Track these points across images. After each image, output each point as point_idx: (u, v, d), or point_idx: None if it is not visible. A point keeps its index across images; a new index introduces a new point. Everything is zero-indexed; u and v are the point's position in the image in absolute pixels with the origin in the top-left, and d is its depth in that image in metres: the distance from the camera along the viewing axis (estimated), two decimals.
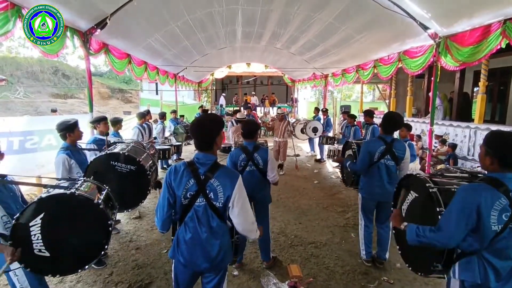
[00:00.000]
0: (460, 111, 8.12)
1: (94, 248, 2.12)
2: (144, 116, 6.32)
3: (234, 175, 1.84)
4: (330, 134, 9.23)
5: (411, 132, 8.11)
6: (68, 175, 3.02)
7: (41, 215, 1.94)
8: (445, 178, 2.18)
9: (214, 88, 20.46)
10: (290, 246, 3.86)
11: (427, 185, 1.97)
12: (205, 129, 1.82)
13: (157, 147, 6.11)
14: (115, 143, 3.90)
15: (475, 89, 9.13)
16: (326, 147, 8.50)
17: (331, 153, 7.03)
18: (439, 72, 4.83)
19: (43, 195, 2.01)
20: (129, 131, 7.07)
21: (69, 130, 3.12)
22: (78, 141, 3.28)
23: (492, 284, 1.61)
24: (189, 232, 1.82)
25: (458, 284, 1.74)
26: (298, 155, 10.20)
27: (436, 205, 1.86)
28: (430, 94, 5.59)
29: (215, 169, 1.80)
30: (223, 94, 18.51)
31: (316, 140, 9.75)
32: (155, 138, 6.96)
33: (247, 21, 7.12)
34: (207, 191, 1.78)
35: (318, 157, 9.43)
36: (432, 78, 4.95)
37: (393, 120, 3.13)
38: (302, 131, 9.84)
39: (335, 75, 9.95)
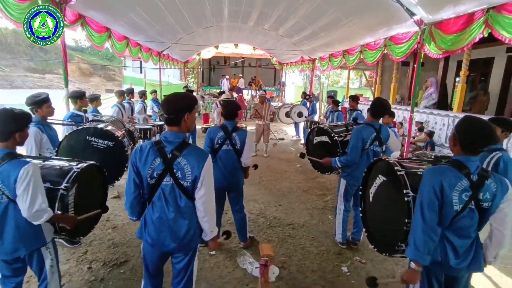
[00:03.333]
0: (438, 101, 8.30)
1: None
2: (124, 94, 6.08)
3: (203, 154, 1.80)
4: (316, 119, 9.26)
5: (394, 120, 8.25)
6: (38, 151, 2.90)
7: (76, 185, 2.13)
8: (412, 162, 2.24)
9: (201, 68, 20.01)
10: (268, 227, 3.92)
11: (395, 168, 2.01)
12: (174, 104, 1.76)
13: (138, 126, 5.97)
14: (93, 120, 3.79)
15: (457, 78, 9.29)
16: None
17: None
18: (421, 60, 4.85)
19: (76, 169, 2.16)
20: (109, 109, 6.85)
21: (36, 105, 2.97)
22: (49, 118, 3.13)
23: (451, 262, 1.69)
24: (156, 211, 1.79)
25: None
26: (282, 139, 10.27)
27: (403, 187, 1.90)
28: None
29: (183, 148, 1.76)
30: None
31: (301, 125, 9.79)
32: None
33: None
34: (175, 170, 1.74)
35: (303, 141, 9.50)
36: (415, 65, 4.97)
37: (382, 106, 3.14)
38: (287, 115, 9.86)
39: (322, 59, 9.89)
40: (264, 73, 20.40)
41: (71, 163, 2.26)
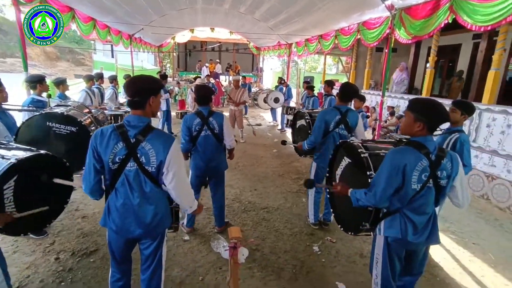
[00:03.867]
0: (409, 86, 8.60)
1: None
2: (93, 78, 5.79)
3: (168, 138, 1.75)
4: (293, 104, 9.31)
5: (367, 105, 8.46)
6: None
7: (15, 177, 1.91)
8: (377, 143, 2.31)
9: (177, 53, 19.38)
10: (243, 212, 3.96)
11: (359, 150, 2.08)
12: (139, 86, 1.69)
13: (109, 112, 5.72)
14: (57, 105, 3.59)
15: (427, 64, 9.61)
16: (287, 117, 8.60)
17: (290, 123, 7.13)
18: (392, 45, 4.95)
19: (13, 159, 1.89)
20: (77, 95, 6.51)
21: None
22: (5, 104, 2.93)
23: (410, 237, 1.79)
24: (120, 198, 1.74)
25: (382, 240, 1.90)
26: (259, 125, 10.28)
27: (367, 169, 1.96)
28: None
29: (147, 132, 1.70)
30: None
31: (279, 110, 9.82)
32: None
33: None
34: (138, 155, 1.68)
35: (280, 126, 9.55)
36: (386, 51, 5.08)
37: (350, 89, 3.24)
38: (264, 100, 9.85)
39: (298, 44, 9.87)
40: (241, 58, 20.09)
41: (11, 153, 2.02)
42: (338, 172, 2.40)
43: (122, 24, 8.07)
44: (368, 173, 1.97)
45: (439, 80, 9.42)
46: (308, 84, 7.65)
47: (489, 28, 3.40)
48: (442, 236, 3.53)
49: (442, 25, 3.87)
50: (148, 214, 1.77)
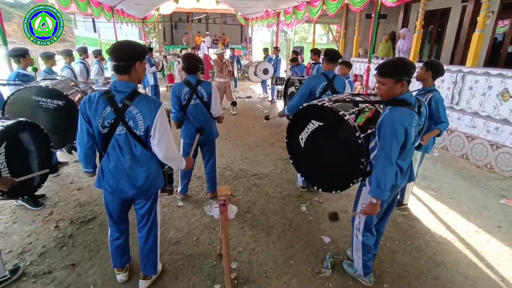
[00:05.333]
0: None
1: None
2: (71, 53, 5.53)
3: (154, 103, 1.80)
4: (283, 75, 9.26)
5: (356, 73, 8.48)
6: None
7: (4, 144, 2.06)
8: (345, 103, 2.28)
9: (162, 26, 18.70)
10: (234, 179, 4.11)
11: (340, 113, 2.05)
12: (124, 51, 1.71)
13: (97, 88, 5.63)
14: (44, 79, 3.55)
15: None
16: (276, 88, 8.59)
17: (280, 94, 7.17)
18: (379, 10, 4.92)
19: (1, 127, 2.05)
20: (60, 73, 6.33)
21: None
22: None
23: (398, 181, 1.96)
24: (112, 161, 1.82)
25: None
26: (250, 97, 10.26)
27: (354, 130, 1.98)
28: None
29: (133, 97, 1.75)
30: (203, 39, 16.16)
31: (268, 82, 9.77)
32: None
33: None
34: (126, 119, 1.74)
35: (270, 98, 9.56)
36: (373, 15, 5.04)
37: (333, 52, 3.29)
38: (255, 73, 9.75)
39: (286, 13, 9.64)
40: (230, 30, 19.52)
41: None
42: (303, 136, 2.36)
43: None
44: (356, 134, 1.97)
45: (428, 46, 9.40)
46: (292, 57, 7.54)
47: None
48: (422, 193, 3.79)
49: None
50: (140, 176, 1.86)
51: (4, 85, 3.24)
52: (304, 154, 2.40)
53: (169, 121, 2.57)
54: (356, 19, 9.45)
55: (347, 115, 2.07)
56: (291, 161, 2.60)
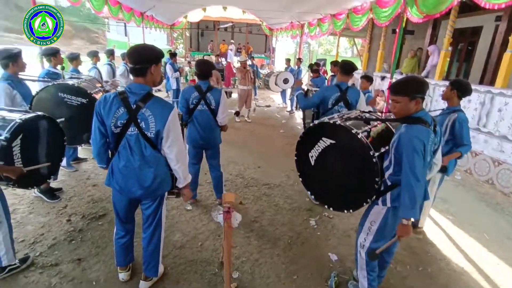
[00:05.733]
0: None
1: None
2: (97, 54, 5.76)
3: (167, 106, 1.83)
4: (302, 86, 9.23)
5: (378, 88, 8.31)
6: (11, 106, 2.88)
7: (20, 136, 2.13)
8: (357, 121, 2.22)
9: (189, 33, 19.28)
10: (245, 187, 4.09)
11: (353, 132, 2.00)
12: (141, 54, 1.77)
13: (120, 88, 5.83)
14: (70, 77, 3.75)
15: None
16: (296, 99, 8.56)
17: (298, 105, 7.14)
18: (403, 25, 4.82)
19: (19, 120, 2.10)
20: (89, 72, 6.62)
21: (12, 59, 2.91)
22: (22, 74, 3.08)
23: None
24: (122, 160, 1.86)
25: (385, 209, 1.97)
26: (269, 106, 10.28)
27: (368, 149, 1.92)
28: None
29: (147, 99, 1.79)
30: (230, 47, 16.43)
31: (288, 92, 9.76)
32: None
33: None
34: (139, 120, 1.79)
35: (289, 108, 9.53)
36: (397, 30, 4.94)
37: (348, 63, 3.28)
38: (275, 83, 9.78)
39: (310, 25, 9.66)
40: (254, 39, 19.79)
41: (17, 114, 2.22)
42: (313, 154, 2.29)
43: (133, 1, 8.09)
44: (371, 153, 1.91)
45: (457, 64, 9.08)
46: (313, 67, 7.49)
47: (503, 5, 3.27)
48: (439, 216, 3.61)
49: (455, 2, 3.74)
50: (148, 177, 1.89)
51: (34, 81, 3.41)
52: (314, 171, 2.33)
53: (182, 125, 2.62)
54: (381, 33, 9.32)
55: (360, 133, 2.03)
56: (300, 179, 2.52)
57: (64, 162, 4.07)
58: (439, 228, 3.38)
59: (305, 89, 8.06)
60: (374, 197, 2.02)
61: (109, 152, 2.00)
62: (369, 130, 2.09)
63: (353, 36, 13.79)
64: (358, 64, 15.98)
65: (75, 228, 2.92)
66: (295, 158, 2.50)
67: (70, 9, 22.85)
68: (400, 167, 1.83)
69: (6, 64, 2.90)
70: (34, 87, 3.58)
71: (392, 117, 2.10)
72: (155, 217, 2.08)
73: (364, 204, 2.09)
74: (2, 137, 2.00)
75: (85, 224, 3.01)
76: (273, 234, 3.06)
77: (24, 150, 2.15)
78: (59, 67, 3.90)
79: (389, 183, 1.96)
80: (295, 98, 8.85)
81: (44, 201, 3.35)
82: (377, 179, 1.95)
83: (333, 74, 6.10)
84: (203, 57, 10.05)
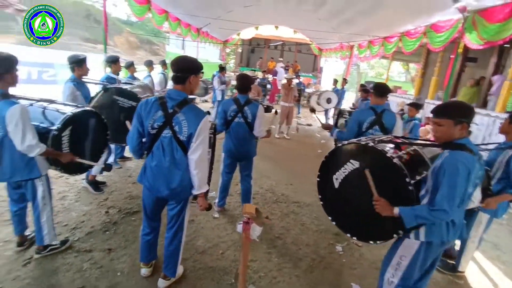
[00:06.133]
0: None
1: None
2: (151, 64, 6.28)
3: (200, 113, 1.95)
4: (344, 107, 9.05)
5: (428, 116, 7.79)
6: None
7: (70, 127, 2.41)
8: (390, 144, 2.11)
9: (241, 50, 20.13)
10: (274, 202, 4.06)
11: (387, 155, 1.89)
12: (182, 64, 1.94)
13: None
14: (125, 82, 4.15)
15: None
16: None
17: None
18: (461, 50, 4.52)
19: (70, 113, 2.42)
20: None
21: (78, 63, 3.32)
22: (84, 77, 3.48)
23: (450, 238, 1.79)
24: (154, 159, 2.00)
25: (417, 244, 1.84)
26: (310, 125, 10.19)
27: (404, 176, 1.81)
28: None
29: (183, 105, 1.93)
30: (280, 65, 16.86)
31: (331, 112, 9.60)
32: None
33: None
34: (173, 124, 1.92)
35: None
36: (452, 56, 4.65)
37: (381, 87, 3.17)
38: (317, 102, 9.70)
39: (360, 46, 9.51)
40: (303, 58, 19.95)
41: (70, 108, 2.53)
42: (339, 176, 2.16)
43: (191, 18, 8.74)
44: (407, 180, 1.79)
45: None
46: (364, 87, 7.34)
47: None
48: (487, 263, 3.22)
49: None
50: (175, 179, 2.00)
51: (94, 83, 3.83)
52: (338, 196, 2.19)
53: (214, 133, 2.73)
54: (437, 59, 8.82)
55: (395, 158, 1.91)
56: (321, 203, 2.36)
57: (111, 159, 4.45)
58: (485, 276, 3.00)
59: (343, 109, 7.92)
60: (406, 230, 1.86)
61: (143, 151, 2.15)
62: (402, 155, 1.97)
63: (406, 61, 13.22)
64: (408, 87, 15.23)
65: (111, 220, 3.15)
66: (318, 179, 2.36)
67: (139, 24, 25.33)
68: None
69: (73, 68, 3.32)
70: (95, 89, 4.02)
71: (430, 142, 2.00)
72: (177, 219, 2.17)
73: (394, 236, 1.94)
74: (54, 127, 2.29)
75: (120, 217, 3.23)
76: (296, 253, 2.98)
77: (71, 140, 2.42)
78: (121, 73, 4.36)
79: None
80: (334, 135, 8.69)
81: (89, 192, 3.68)
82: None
83: (362, 98, 5.93)
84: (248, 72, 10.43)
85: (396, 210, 1.76)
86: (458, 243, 2.96)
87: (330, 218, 2.30)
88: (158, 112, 1.94)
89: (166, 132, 1.94)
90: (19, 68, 2.18)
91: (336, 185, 2.18)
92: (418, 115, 6.93)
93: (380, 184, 1.95)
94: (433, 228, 1.79)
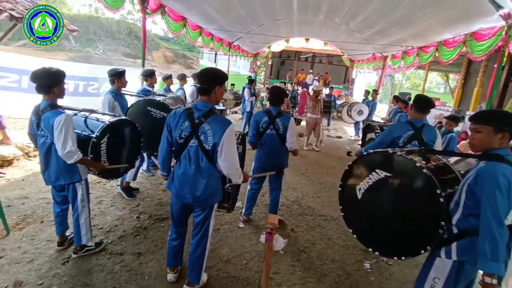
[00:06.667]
0: None
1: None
2: (184, 77, 6.55)
3: (225, 122, 2.02)
4: (374, 119, 8.78)
5: (464, 130, 7.30)
6: None
7: (107, 135, 2.60)
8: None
9: (271, 63, 20.41)
10: (300, 214, 4.01)
11: (417, 165, 1.80)
12: (208, 76, 2.04)
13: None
14: (159, 95, 4.40)
15: None
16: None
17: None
18: (505, 59, 4.24)
19: (107, 122, 2.62)
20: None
21: (117, 76, 3.59)
22: (122, 89, 3.74)
23: None
24: (181, 168, 2.09)
25: (450, 264, 1.72)
26: (340, 137, 9.98)
27: (435, 187, 1.72)
28: None
29: (208, 115, 2.02)
30: (315, 78, 17.22)
31: (362, 124, 9.35)
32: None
33: None
34: (199, 134, 2.00)
35: (361, 142, 9.08)
36: (496, 66, 4.37)
37: (422, 100, 2.93)
38: (348, 114, 9.53)
39: (394, 57, 9.22)
40: (334, 70, 19.76)
41: (108, 117, 2.73)
42: (362, 186, 2.08)
43: (224, 32, 9.07)
44: (438, 191, 1.70)
45: None
46: (401, 99, 7.07)
47: None
48: None
49: None
50: (200, 187, 2.07)
51: (131, 95, 4.10)
52: (360, 207, 2.12)
53: (243, 144, 2.79)
54: (479, 68, 8.29)
55: (425, 168, 1.81)
56: (342, 214, 2.29)
57: (144, 167, 4.69)
58: None
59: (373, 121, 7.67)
60: (434, 245, 1.76)
61: (172, 162, 2.27)
62: (431, 166, 1.88)
63: (445, 71, 12.58)
64: (447, 99, 14.40)
65: (142, 225, 3.30)
66: (339, 189, 2.29)
67: (175, 39, 26.76)
68: (471, 210, 1.61)
69: (112, 80, 3.59)
70: (131, 101, 4.30)
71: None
72: (202, 226, 2.23)
73: (422, 252, 1.82)
74: (94, 135, 2.49)
75: (150, 223, 3.37)
76: (320, 268, 2.90)
77: (108, 147, 2.61)
78: (156, 86, 4.62)
79: (455, 231, 1.71)
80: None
81: (123, 198, 3.89)
82: (442, 222, 1.70)
83: (398, 110, 5.68)
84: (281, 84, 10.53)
85: (489, 279, 1.48)
86: None
87: (350, 230, 2.24)
88: (185, 122, 2.03)
89: (193, 142, 2.03)
90: (66, 82, 2.42)
91: (359, 195, 2.11)
92: (458, 129, 6.54)
93: (408, 195, 1.88)
94: (466, 246, 1.65)
